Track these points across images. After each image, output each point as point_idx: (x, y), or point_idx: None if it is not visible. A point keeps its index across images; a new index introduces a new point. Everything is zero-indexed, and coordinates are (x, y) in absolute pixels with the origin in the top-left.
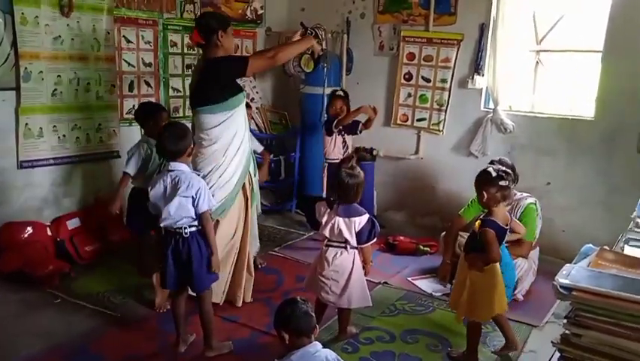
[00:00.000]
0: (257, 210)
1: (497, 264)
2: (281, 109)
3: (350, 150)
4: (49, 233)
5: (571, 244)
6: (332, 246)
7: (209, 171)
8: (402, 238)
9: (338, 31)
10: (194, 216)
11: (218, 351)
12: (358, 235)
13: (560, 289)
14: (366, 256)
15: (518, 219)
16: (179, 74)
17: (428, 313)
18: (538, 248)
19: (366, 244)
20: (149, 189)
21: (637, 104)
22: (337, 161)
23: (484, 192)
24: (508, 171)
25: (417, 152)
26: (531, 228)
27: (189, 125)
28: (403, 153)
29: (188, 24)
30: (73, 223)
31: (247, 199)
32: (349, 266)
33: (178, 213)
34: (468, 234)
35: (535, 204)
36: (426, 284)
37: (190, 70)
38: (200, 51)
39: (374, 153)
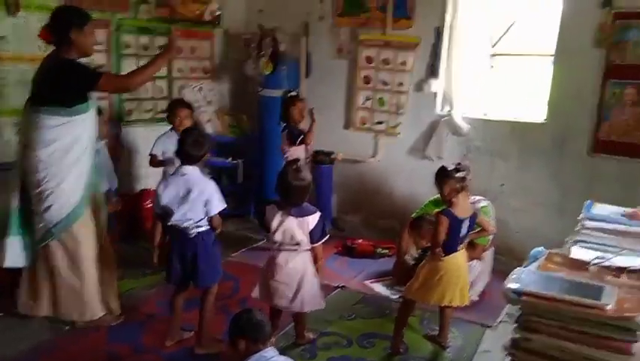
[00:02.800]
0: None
1: (460, 258)
2: (240, 112)
3: (310, 152)
4: None
5: (524, 245)
6: (283, 250)
7: (44, 177)
8: (360, 241)
9: (297, 34)
10: (202, 217)
11: (207, 350)
12: (311, 234)
13: (510, 294)
14: (319, 255)
15: None
16: None
17: (385, 316)
18: (492, 249)
19: (319, 243)
20: (160, 190)
21: (586, 107)
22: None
23: (445, 186)
24: (464, 164)
25: (375, 155)
26: None
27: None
28: (362, 156)
29: (143, 24)
30: None
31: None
32: (302, 269)
33: (188, 215)
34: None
35: (488, 207)
36: (383, 287)
37: None
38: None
39: (332, 156)
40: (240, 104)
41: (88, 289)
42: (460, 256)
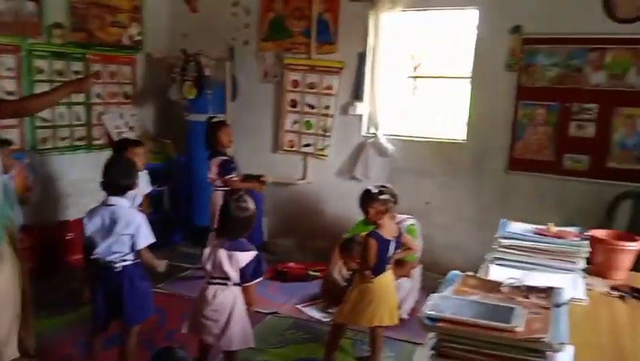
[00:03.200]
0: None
1: (389, 278)
2: (165, 137)
3: (238, 177)
4: None
5: (450, 260)
6: (212, 283)
7: None
8: (291, 264)
9: (221, 58)
10: (128, 251)
11: None
12: (242, 272)
13: (426, 321)
14: (251, 297)
15: None
16: None
17: (318, 340)
18: (421, 266)
19: (251, 283)
20: (86, 220)
21: (502, 127)
22: (226, 188)
23: (370, 208)
24: (387, 185)
25: (304, 177)
26: None
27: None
28: (291, 178)
29: (56, 49)
30: None
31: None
32: (229, 305)
33: (113, 248)
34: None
35: (415, 226)
36: (316, 311)
37: None
38: None
39: (262, 179)
40: (164, 130)
41: (2, 329)
42: (389, 275)
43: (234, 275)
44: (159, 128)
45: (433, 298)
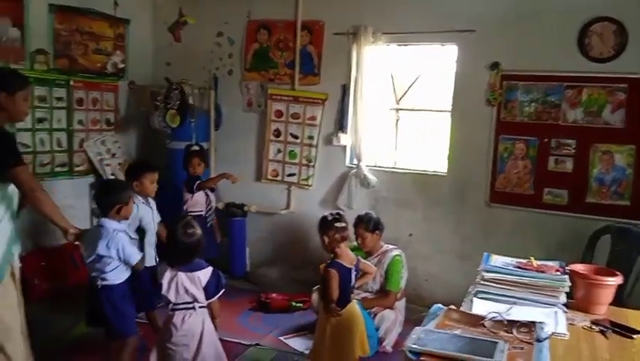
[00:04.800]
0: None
1: (355, 308)
2: None
3: (214, 204)
4: None
5: (433, 292)
6: (178, 309)
7: None
8: (274, 295)
9: (205, 87)
10: (107, 271)
11: None
12: (205, 289)
13: (409, 355)
14: (215, 311)
15: (385, 271)
16: (29, 128)
17: None
18: (404, 299)
19: (214, 298)
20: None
21: (482, 160)
22: (201, 213)
23: (325, 237)
24: (341, 213)
25: (288, 206)
26: (396, 279)
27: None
28: (275, 208)
29: (40, 76)
30: None
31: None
32: (199, 328)
33: (95, 266)
34: None
35: (401, 256)
36: (298, 342)
37: (41, 123)
38: None
39: (245, 208)
40: (147, 157)
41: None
42: (354, 305)
43: (201, 295)
44: (142, 154)
45: (416, 332)
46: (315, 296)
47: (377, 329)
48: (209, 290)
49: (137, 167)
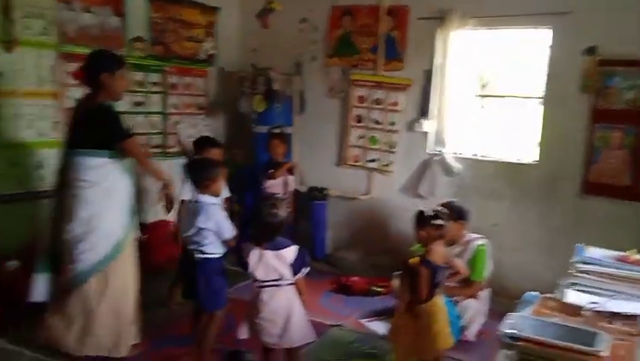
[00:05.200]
0: None
1: (439, 302)
2: (234, 147)
3: (291, 189)
4: None
5: (518, 283)
6: (266, 286)
7: (84, 218)
8: (355, 278)
9: (290, 73)
10: (205, 243)
11: None
12: (292, 266)
13: (506, 339)
14: (302, 288)
15: (469, 260)
16: (126, 110)
17: (382, 355)
18: (489, 289)
19: (300, 275)
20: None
21: (575, 149)
22: (279, 195)
23: (421, 231)
24: (444, 210)
25: (368, 192)
26: (480, 269)
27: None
28: (355, 192)
29: (137, 62)
30: (11, 265)
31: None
32: (287, 304)
33: (193, 239)
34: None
35: (486, 246)
36: (380, 326)
37: (139, 107)
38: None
39: (325, 192)
40: (235, 140)
41: (125, 326)
42: (438, 300)
43: (287, 273)
44: (230, 138)
45: (513, 318)
46: (396, 282)
47: (459, 318)
48: (296, 267)
49: (202, 142)
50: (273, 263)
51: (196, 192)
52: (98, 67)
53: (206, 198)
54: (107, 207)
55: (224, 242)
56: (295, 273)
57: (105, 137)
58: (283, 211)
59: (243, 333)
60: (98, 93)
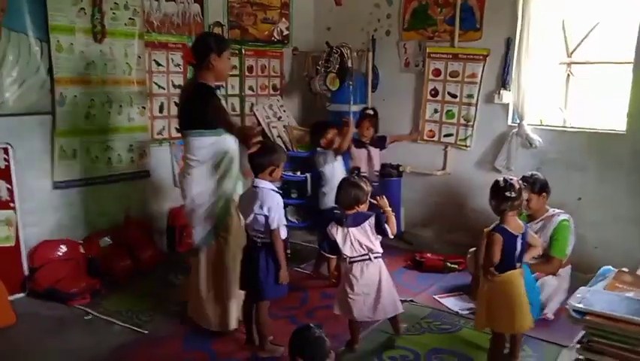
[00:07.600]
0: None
1: (516, 277)
2: (308, 127)
3: (377, 165)
4: (82, 251)
5: (604, 261)
6: (355, 261)
7: (199, 193)
8: (429, 255)
9: (363, 50)
10: (263, 230)
11: (270, 353)
12: (379, 231)
13: (573, 313)
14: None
15: (550, 236)
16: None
17: (454, 331)
18: (570, 266)
19: (388, 232)
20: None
21: None
22: (364, 173)
23: (494, 201)
24: (518, 182)
25: (444, 167)
26: (561, 245)
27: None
28: (430, 168)
29: None
30: (104, 241)
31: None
32: (377, 277)
33: (252, 225)
34: None
35: (569, 221)
36: (453, 302)
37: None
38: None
39: (400, 169)
40: (308, 119)
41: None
42: (516, 274)
43: (377, 245)
44: (304, 117)
45: (581, 292)
46: (470, 258)
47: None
48: (382, 229)
49: (322, 124)
50: (359, 239)
51: (255, 176)
52: (207, 48)
53: (264, 184)
54: (215, 181)
55: (270, 231)
56: (383, 233)
57: (207, 117)
58: (366, 186)
59: (336, 309)
60: (204, 74)
